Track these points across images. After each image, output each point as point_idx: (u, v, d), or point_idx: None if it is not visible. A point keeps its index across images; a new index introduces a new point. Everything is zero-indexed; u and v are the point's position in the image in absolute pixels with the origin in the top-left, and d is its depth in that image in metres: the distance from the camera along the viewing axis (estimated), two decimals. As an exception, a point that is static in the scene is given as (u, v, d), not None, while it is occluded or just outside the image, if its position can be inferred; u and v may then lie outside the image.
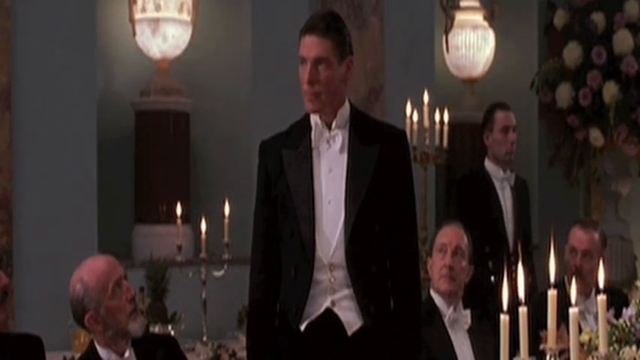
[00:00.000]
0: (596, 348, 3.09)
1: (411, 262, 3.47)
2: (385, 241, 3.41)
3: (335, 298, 3.36)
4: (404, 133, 3.55)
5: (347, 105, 3.45)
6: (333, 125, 3.42)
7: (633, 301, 3.39)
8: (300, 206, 3.37)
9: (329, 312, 3.37)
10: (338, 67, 3.37)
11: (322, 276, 3.36)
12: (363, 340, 3.37)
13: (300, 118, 3.51)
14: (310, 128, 3.43)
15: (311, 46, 3.36)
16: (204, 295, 5.52)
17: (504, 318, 2.60)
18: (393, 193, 3.41)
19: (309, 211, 3.36)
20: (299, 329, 3.38)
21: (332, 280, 3.36)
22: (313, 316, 3.37)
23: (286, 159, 3.42)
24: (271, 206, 3.44)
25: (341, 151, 3.41)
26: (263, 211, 3.47)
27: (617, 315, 3.37)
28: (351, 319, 3.37)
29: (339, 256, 3.35)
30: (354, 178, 3.37)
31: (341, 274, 3.36)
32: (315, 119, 3.43)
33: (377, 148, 3.41)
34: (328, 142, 3.42)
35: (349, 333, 3.37)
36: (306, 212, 3.36)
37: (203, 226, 5.46)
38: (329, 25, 3.39)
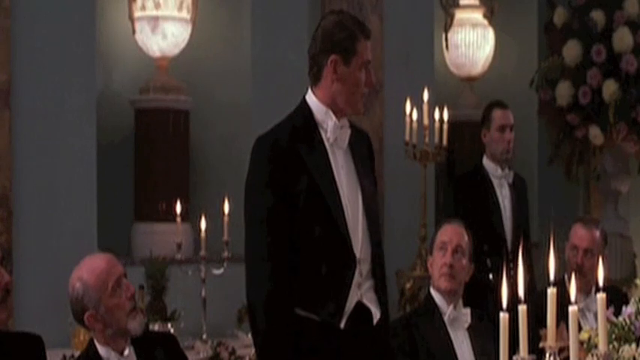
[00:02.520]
0: (596, 346, 3.09)
1: (382, 255, 3.57)
2: None
3: (362, 291, 3.44)
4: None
5: None
6: (341, 123, 3.47)
7: (633, 299, 3.39)
8: (333, 205, 3.37)
9: (360, 305, 3.42)
10: None
11: (354, 271, 3.42)
12: (383, 328, 3.49)
13: (297, 112, 3.49)
14: (317, 124, 3.43)
15: (369, 50, 3.47)
16: (203, 293, 5.52)
17: (504, 316, 2.60)
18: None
19: (341, 210, 3.38)
20: (339, 327, 3.38)
21: (361, 274, 3.42)
22: (349, 312, 3.40)
23: (305, 155, 3.37)
24: (284, 206, 3.34)
25: (346, 148, 3.48)
26: (272, 211, 3.35)
27: (617, 313, 3.37)
28: (374, 309, 3.46)
29: (365, 251, 3.44)
30: (363, 175, 3.48)
31: (367, 268, 3.45)
32: (325, 115, 3.43)
33: (365, 146, 3.57)
34: (337, 139, 3.46)
35: (374, 322, 3.45)
36: (339, 211, 3.38)
37: (203, 224, 5.46)
38: None
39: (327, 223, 3.36)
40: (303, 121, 3.45)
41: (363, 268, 3.43)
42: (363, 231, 3.44)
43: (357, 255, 3.41)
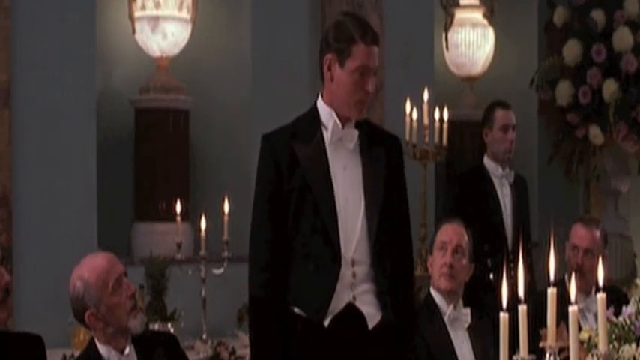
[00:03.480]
0: (596, 346, 3.09)
1: (409, 264, 3.57)
2: (393, 239, 3.50)
3: (356, 292, 3.42)
4: (398, 137, 3.68)
5: None
6: (347, 124, 3.45)
7: (633, 299, 3.39)
8: (323, 202, 3.38)
9: (351, 306, 3.41)
10: None
11: (345, 271, 3.40)
12: (382, 332, 3.43)
13: (306, 113, 3.52)
14: (321, 123, 3.44)
15: (375, 57, 3.42)
16: (203, 293, 5.53)
17: (504, 316, 2.60)
18: (396, 196, 3.51)
19: (332, 208, 3.38)
20: (322, 325, 3.40)
21: (354, 275, 3.40)
22: (336, 311, 3.40)
23: (300, 154, 3.41)
24: (280, 202, 3.41)
25: (354, 149, 3.46)
26: (269, 207, 3.44)
27: (617, 313, 3.37)
28: (371, 312, 3.43)
29: (362, 252, 3.41)
30: (369, 177, 3.45)
31: (362, 270, 3.42)
32: (329, 116, 3.44)
33: (383, 150, 3.50)
34: (342, 139, 3.45)
35: (370, 326, 3.42)
36: (329, 208, 3.38)
37: (203, 223, 5.46)
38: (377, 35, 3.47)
39: (316, 221, 3.39)
40: (308, 121, 3.48)
41: (358, 269, 3.41)
42: (362, 232, 3.42)
43: (349, 255, 3.39)
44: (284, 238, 3.42)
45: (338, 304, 3.40)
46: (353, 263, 3.40)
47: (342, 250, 3.39)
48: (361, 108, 3.44)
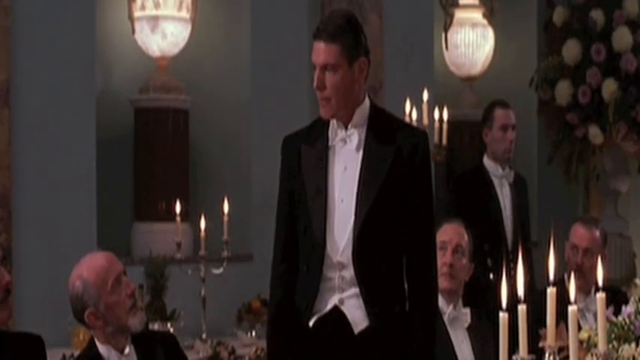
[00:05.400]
0: (595, 345, 3.09)
1: (425, 264, 3.43)
2: (399, 243, 3.40)
3: (343, 296, 3.38)
4: (424, 133, 3.52)
5: (366, 104, 3.43)
6: (350, 124, 3.41)
7: (632, 299, 3.40)
8: (313, 204, 3.37)
9: (336, 309, 3.38)
10: (348, 71, 3.33)
11: (331, 274, 3.37)
12: (369, 339, 3.37)
13: None
14: (328, 126, 3.43)
15: (318, 51, 3.34)
16: (203, 293, 5.53)
17: (503, 316, 2.60)
18: (408, 194, 3.39)
19: (322, 210, 3.36)
20: (308, 325, 3.40)
21: (340, 278, 3.37)
22: (321, 313, 3.39)
23: (304, 155, 3.43)
24: (291, 201, 3.47)
25: (357, 149, 3.40)
26: (284, 206, 3.49)
27: (617, 313, 3.37)
28: (357, 318, 3.37)
29: (348, 256, 3.35)
30: (366, 177, 3.36)
31: (349, 273, 3.36)
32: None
33: (393, 147, 3.38)
34: (344, 140, 3.41)
35: (355, 332, 3.37)
36: (318, 210, 3.37)
37: (202, 223, 5.47)
38: (337, 29, 3.32)
39: (306, 223, 3.40)
40: (322, 121, 3.45)
41: (345, 273, 3.36)
42: (351, 235, 3.35)
43: (336, 258, 3.36)
44: (290, 238, 3.47)
45: (324, 306, 3.38)
46: (340, 266, 3.37)
47: (329, 252, 3.36)
48: (321, 105, 3.38)
